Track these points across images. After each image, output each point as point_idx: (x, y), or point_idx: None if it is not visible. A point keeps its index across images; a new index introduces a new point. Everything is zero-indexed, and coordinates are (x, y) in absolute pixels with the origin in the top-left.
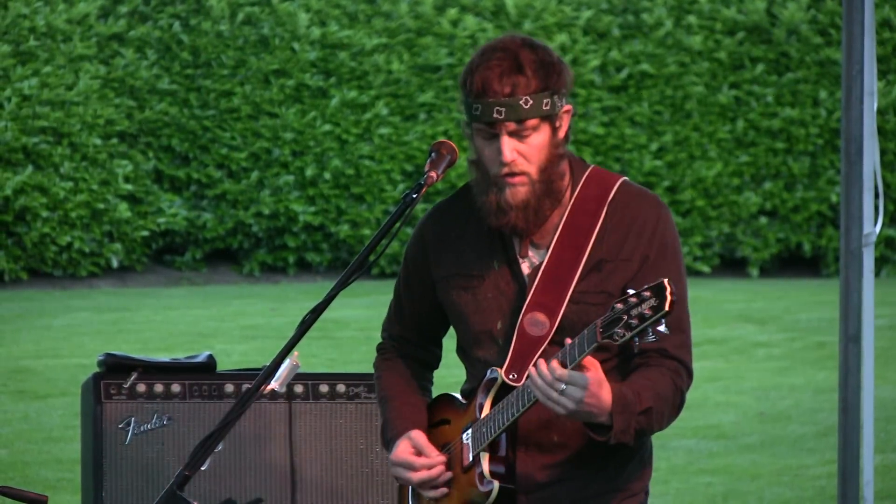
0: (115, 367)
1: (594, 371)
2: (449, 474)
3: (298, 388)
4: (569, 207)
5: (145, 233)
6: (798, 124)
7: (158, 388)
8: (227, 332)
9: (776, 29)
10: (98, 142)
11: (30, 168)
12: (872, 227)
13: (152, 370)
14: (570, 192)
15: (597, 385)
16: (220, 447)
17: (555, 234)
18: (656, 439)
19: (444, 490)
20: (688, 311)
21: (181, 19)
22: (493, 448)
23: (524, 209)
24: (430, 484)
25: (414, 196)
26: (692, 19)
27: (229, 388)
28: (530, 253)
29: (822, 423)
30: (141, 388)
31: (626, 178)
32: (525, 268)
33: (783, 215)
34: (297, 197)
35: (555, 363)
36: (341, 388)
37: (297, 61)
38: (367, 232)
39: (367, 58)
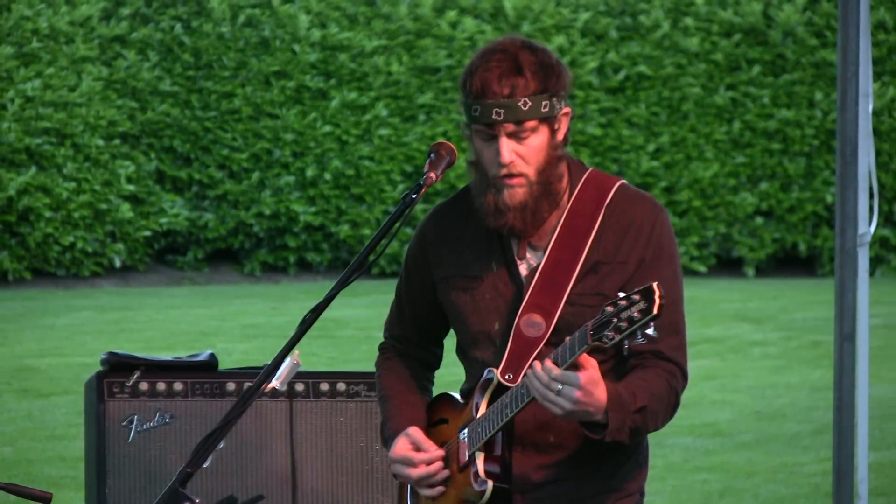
0: (118, 366)
1: (590, 370)
2: (446, 472)
3: (299, 387)
4: (567, 209)
5: (147, 233)
6: (794, 125)
7: (161, 386)
8: (229, 331)
9: (772, 31)
10: (100, 143)
11: (33, 169)
12: (867, 228)
13: (154, 369)
14: (569, 195)
15: (591, 384)
16: (221, 445)
17: (552, 235)
18: (653, 437)
19: (441, 489)
20: (683, 314)
21: (183, 21)
22: (489, 448)
23: (521, 210)
24: (429, 481)
25: (413, 196)
26: (689, 21)
27: (231, 386)
28: (528, 254)
29: (818, 421)
30: (143, 386)
31: (624, 181)
32: (523, 269)
33: (779, 215)
34: (297, 197)
35: (549, 363)
36: (341, 386)
37: (297, 63)
38: (366, 232)
39: (367, 59)
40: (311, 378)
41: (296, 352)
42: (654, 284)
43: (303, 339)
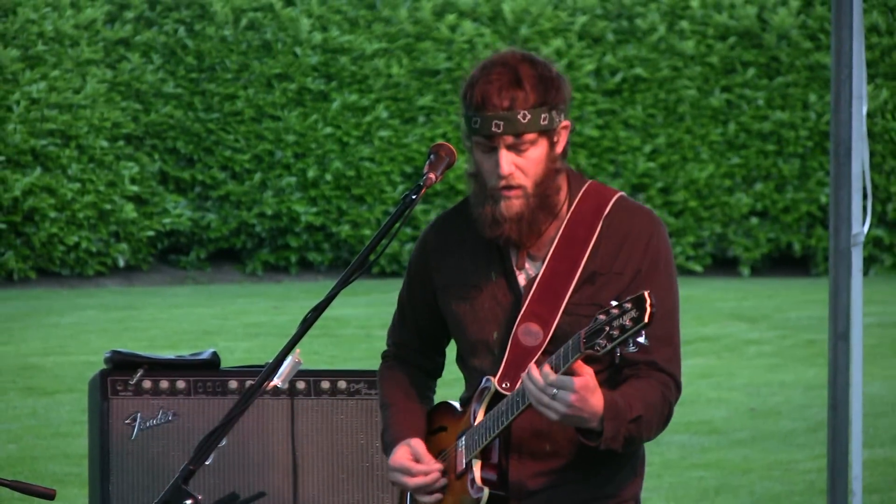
0: (122, 364)
1: (586, 377)
2: (444, 481)
3: (300, 385)
4: (566, 220)
5: (151, 233)
6: (788, 127)
7: (164, 384)
8: (231, 329)
9: (767, 34)
10: (105, 144)
11: (38, 170)
12: (861, 228)
13: (158, 367)
14: (568, 206)
15: (586, 389)
16: (223, 442)
17: (551, 246)
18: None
19: (438, 496)
20: (678, 325)
21: (186, 24)
22: (486, 455)
23: (518, 222)
24: (426, 490)
25: (413, 197)
26: (685, 24)
27: (233, 384)
28: (527, 264)
29: (812, 418)
30: (147, 384)
31: (622, 193)
32: (521, 279)
33: (774, 216)
34: (299, 198)
35: (547, 368)
36: (342, 384)
37: (299, 65)
38: (367, 232)
39: (368, 62)
40: (312, 376)
41: (297, 350)
42: (646, 293)
43: (304, 337)
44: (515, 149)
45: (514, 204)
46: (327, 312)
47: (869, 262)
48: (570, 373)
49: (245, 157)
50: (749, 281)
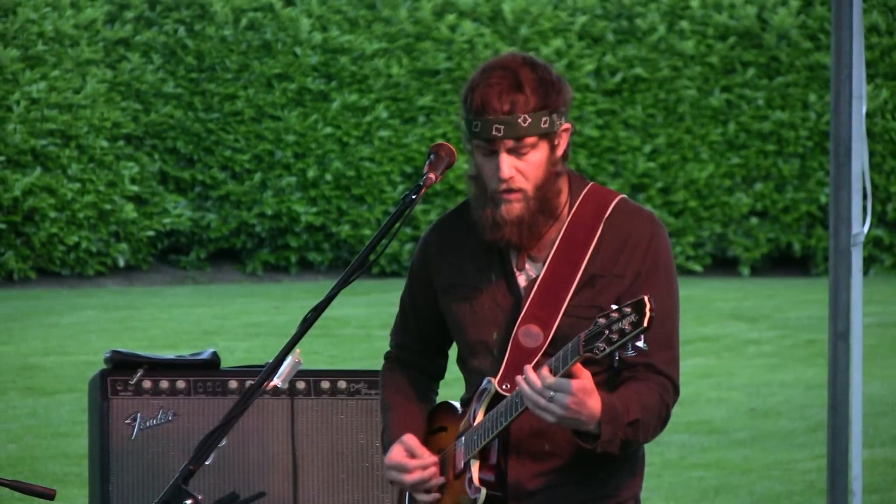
0: (122, 364)
1: (583, 379)
2: (442, 479)
3: (300, 385)
4: (566, 223)
5: (151, 233)
6: (788, 127)
7: (164, 384)
8: (231, 329)
9: (767, 34)
10: (105, 144)
11: (38, 170)
12: (861, 228)
13: (158, 367)
14: (569, 208)
15: (583, 392)
16: (223, 442)
17: (552, 248)
18: None
19: (436, 495)
20: (677, 328)
21: (186, 24)
22: (484, 456)
23: (518, 225)
24: (424, 486)
25: (413, 197)
26: (685, 24)
27: (233, 384)
28: (527, 266)
29: (812, 418)
30: (147, 384)
31: (624, 195)
32: (521, 281)
33: (773, 216)
34: (299, 198)
35: (545, 370)
36: (342, 384)
37: (299, 65)
38: (367, 232)
39: (368, 62)
40: (312, 376)
41: (297, 350)
42: (646, 297)
43: (304, 337)
44: (516, 152)
45: (514, 207)
46: (327, 312)
47: (869, 262)
48: (569, 375)
49: (245, 157)
50: (749, 281)
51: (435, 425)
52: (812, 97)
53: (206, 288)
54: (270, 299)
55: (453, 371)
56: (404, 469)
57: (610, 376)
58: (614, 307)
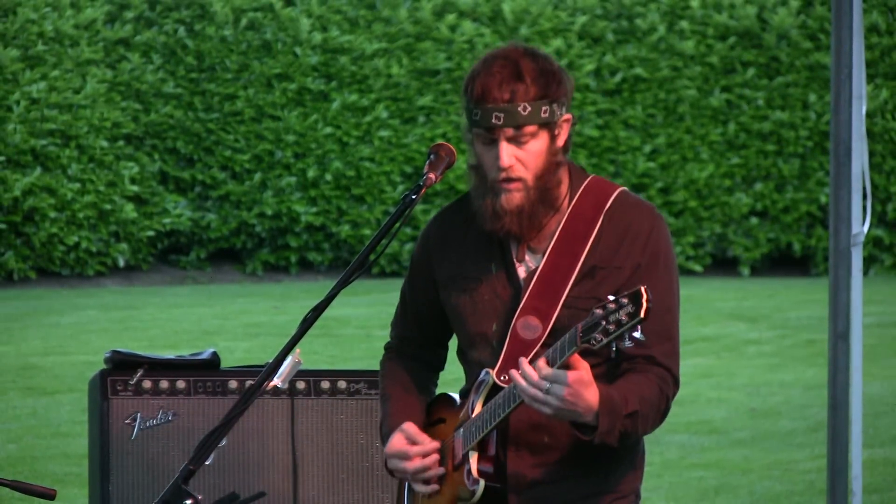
0: (122, 364)
1: (580, 371)
2: (442, 469)
3: (300, 385)
4: (566, 214)
5: (151, 233)
6: (788, 127)
7: (164, 384)
8: (231, 329)
9: (767, 34)
10: (105, 144)
11: (38, 170)
12: (861, 228)
13: (158, 367)
14: (569, 200)
15: (580, 383)
16: (223, 442)
17: (552, 239)
18: (649, 434)
19: (435, 486)
20: (677, 321)
21: (186, 24)
22: (483, 447)
23: (518, 214)
24: (424, 475)
25: (413, 197)
26: (685, 24)
27: (233, 384)
28: (527, 257)
29: (812, 418)
30: (147, 384)
31: (625, 188)
32: (521, 272)
33: (773, 216)
34: (299, 198)
35: (542, 362)
36: (342, 384)
37: (299, 65)
38: (367, 232)
39: (368, 62)
40: (312, 376)
41: (297, 350)
42: (643, 288)
43: (304, 337)
44: (516, 141)
45: (514, 197)
46: (327, 312)
47: (869, 262)
48: (566, 366)
49: (245, 157)
50: (749, 281)
51: (434, 417)
52: (812, 97)
53: (206, 288)
54: (270, 299)
55: (453, 371)
56: (405, 456)
57: (609, 368)
58: (611, 298)
